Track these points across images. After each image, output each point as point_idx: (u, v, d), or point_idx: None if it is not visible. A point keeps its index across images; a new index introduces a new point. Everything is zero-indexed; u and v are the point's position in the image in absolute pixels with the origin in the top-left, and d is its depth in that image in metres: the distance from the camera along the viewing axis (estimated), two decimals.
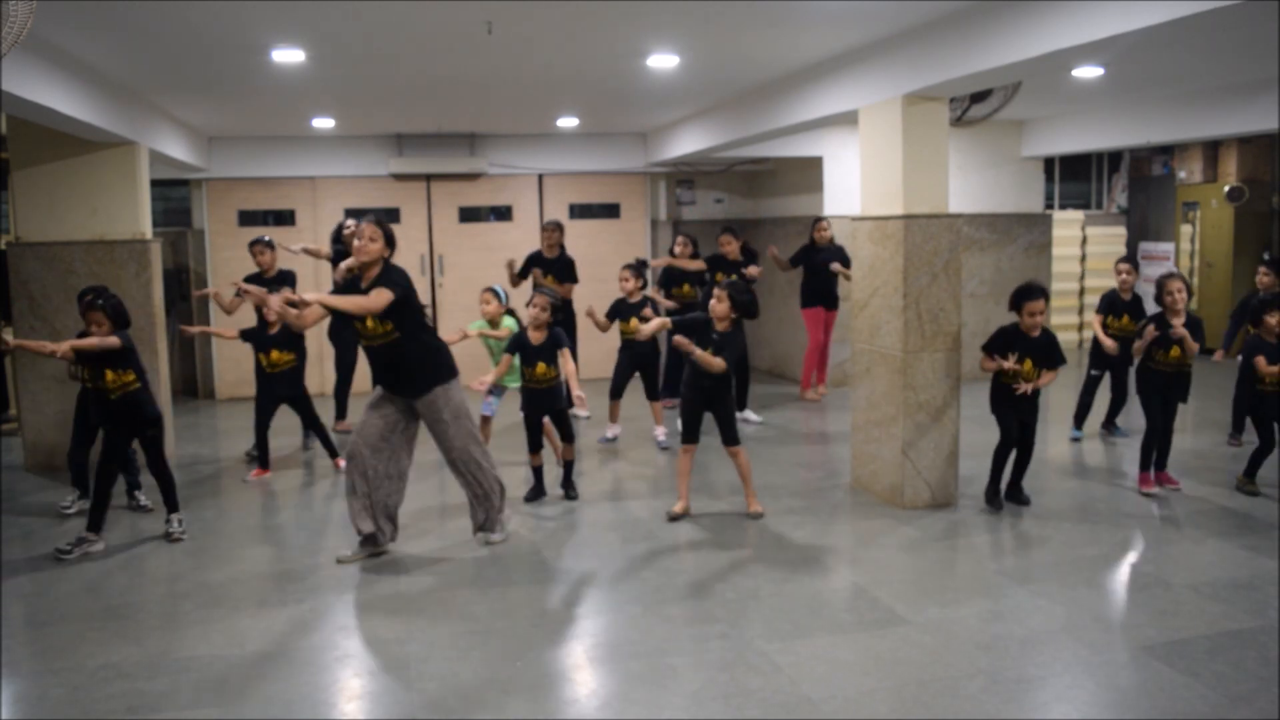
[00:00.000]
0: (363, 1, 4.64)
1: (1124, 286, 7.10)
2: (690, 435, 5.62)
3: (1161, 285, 5.88)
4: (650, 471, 6.80)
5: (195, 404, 9.89)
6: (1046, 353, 5.62)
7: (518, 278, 8.25)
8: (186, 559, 5.17)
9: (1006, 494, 5.83)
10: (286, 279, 7.27)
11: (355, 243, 4.77)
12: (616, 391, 7.53)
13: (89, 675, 3.79)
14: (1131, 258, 7.28)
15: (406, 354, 4.84)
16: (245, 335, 6.68)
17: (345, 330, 6.69)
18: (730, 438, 5.58)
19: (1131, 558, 5.07)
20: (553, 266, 8.31)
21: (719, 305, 5.43)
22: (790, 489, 6.27)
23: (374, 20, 5.01)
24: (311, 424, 6.92)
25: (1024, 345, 5.57)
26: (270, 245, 7.36)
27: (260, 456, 6.81)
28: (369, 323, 4.75)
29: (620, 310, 7.27)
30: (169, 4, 4.61)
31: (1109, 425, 7.58)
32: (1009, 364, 5.50)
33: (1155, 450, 5.98)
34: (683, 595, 4.52)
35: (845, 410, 8.38)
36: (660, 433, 7.50)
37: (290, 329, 6.49)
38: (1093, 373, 7.33)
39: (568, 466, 6.14)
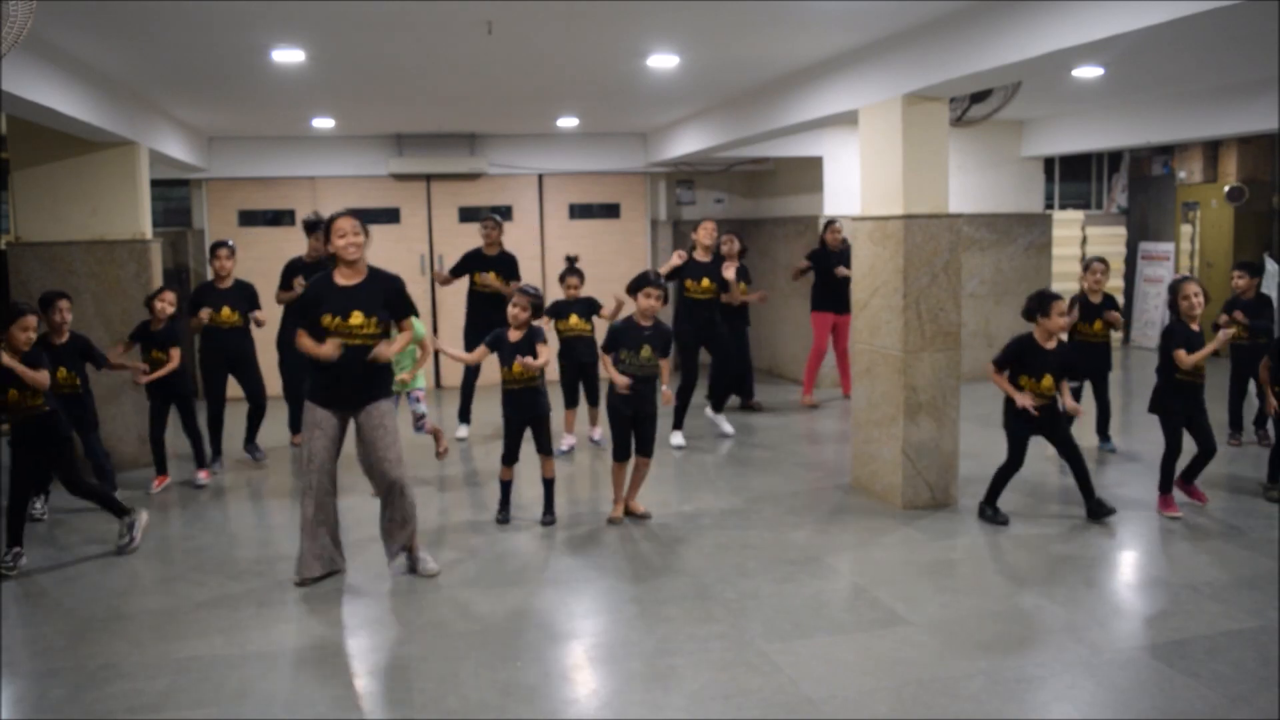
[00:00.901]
0: (363, 1, 4.64)
1: (1094, 288, 6.74)
2: (625, 453, 5.59)
3: (1176, 290, 5.51)
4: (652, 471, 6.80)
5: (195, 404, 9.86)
6: (1066, 364, 5.35)
7: (450, 276, 7.94)
8: (186, 559, 5.17)
9: (1089, 511, 5.47)
10: (245, 291, 6.95)
11: (340, 240, 4.49)
12: (571, 400, 7.33)
13: (89, 675, 3.79)
14: (1103, 258, 6.87)
15: (364, 359, 4.56)
16: (132, 336, 6.40)
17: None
18: (646, 450, 5.60)
19: (1131, 558, 5.07)
20: (494, 264, 7.84)
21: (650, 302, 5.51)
22: (790, 489, 6.27)
23: (374, 20, 5.01)
24: (189, 429, 6.62)
25: (1041, 360, 5.31)
26: (234, 252, 7.01)
27: (156, 462, 6.55)
28: (356, 318, 4.52)
29: (557, 309, 7.02)
30: (169, 4, 4.61)
31: (1101, 437, 7.12)
32: (1025, 400, 5.26)
33: (1174, 469, 5.60)
34: (683, 595, 4.52)
35: (845, 410, 8.38)
36: (596, 433, 7.46)
37: (172, 331, 6.29)
38: (1071, 385, 7.03)
39: (548, 486, 5.68)
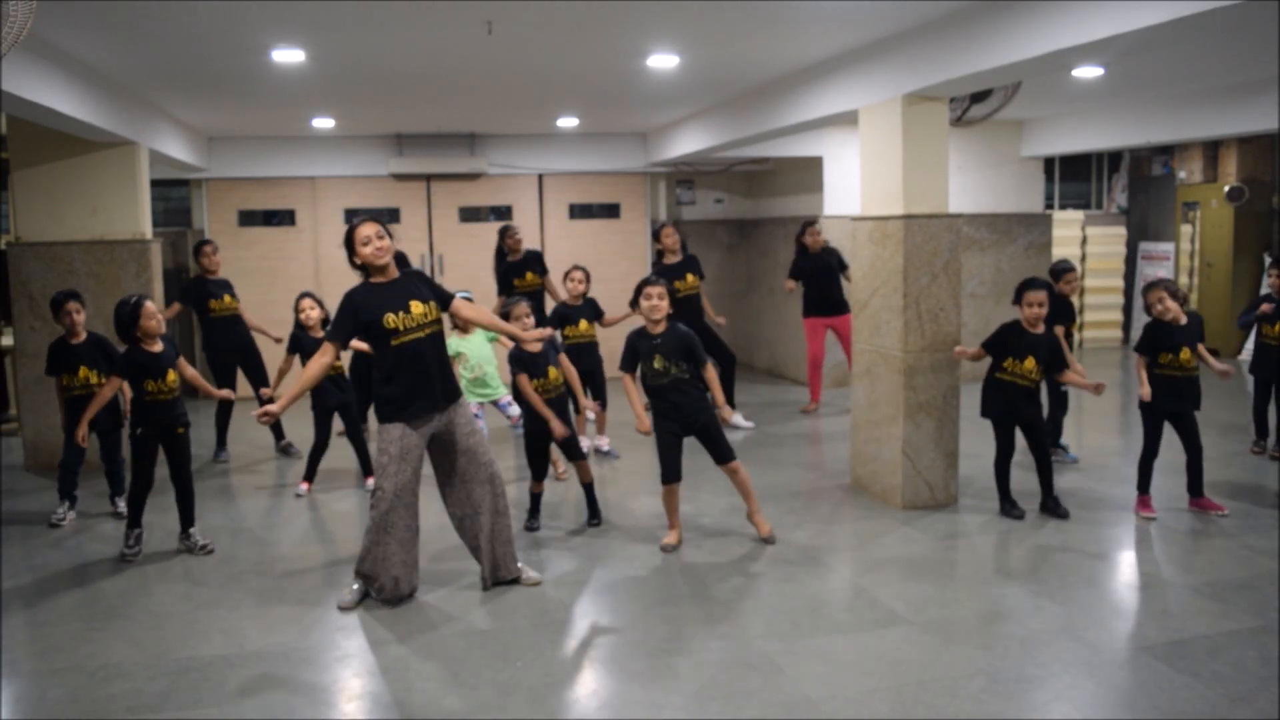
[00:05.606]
0: (363, 1, 4.64)
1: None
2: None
3: (1145, 295, 5.46)
4: (647, 472, 6.80)
5: (195, 404, 9.86)
6: (1050, 354, 5.50)
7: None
8: (186, 560, 5.17)
9: (1041, 507, 5.59)
10: (230, 286, 7.51)
11: (365, 249, 4.22)
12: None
13: (89, 675, 3.79)
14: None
15: (442, 348, 4.37)
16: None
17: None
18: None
19: (1131, 558, 5.07)
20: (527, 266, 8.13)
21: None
22: (790, 489, 6.27)
23: (374, 20, 5.01)
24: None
25: (1027, 342, 5.47)
26: (218, 249, 7.60)
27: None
28: (416, 308, 4.25)
29: (563, 315, 7.00)
30: (169, 4, 4.61)
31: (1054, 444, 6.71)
32: (970, 351, 5.60)
33: (1151, 469, 5.56)
34: (683, 595, 4.52)
35: (845, 410, 8.38)
36: (604, 443, 7.23)
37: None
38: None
39: (589, 489, 5.64)
